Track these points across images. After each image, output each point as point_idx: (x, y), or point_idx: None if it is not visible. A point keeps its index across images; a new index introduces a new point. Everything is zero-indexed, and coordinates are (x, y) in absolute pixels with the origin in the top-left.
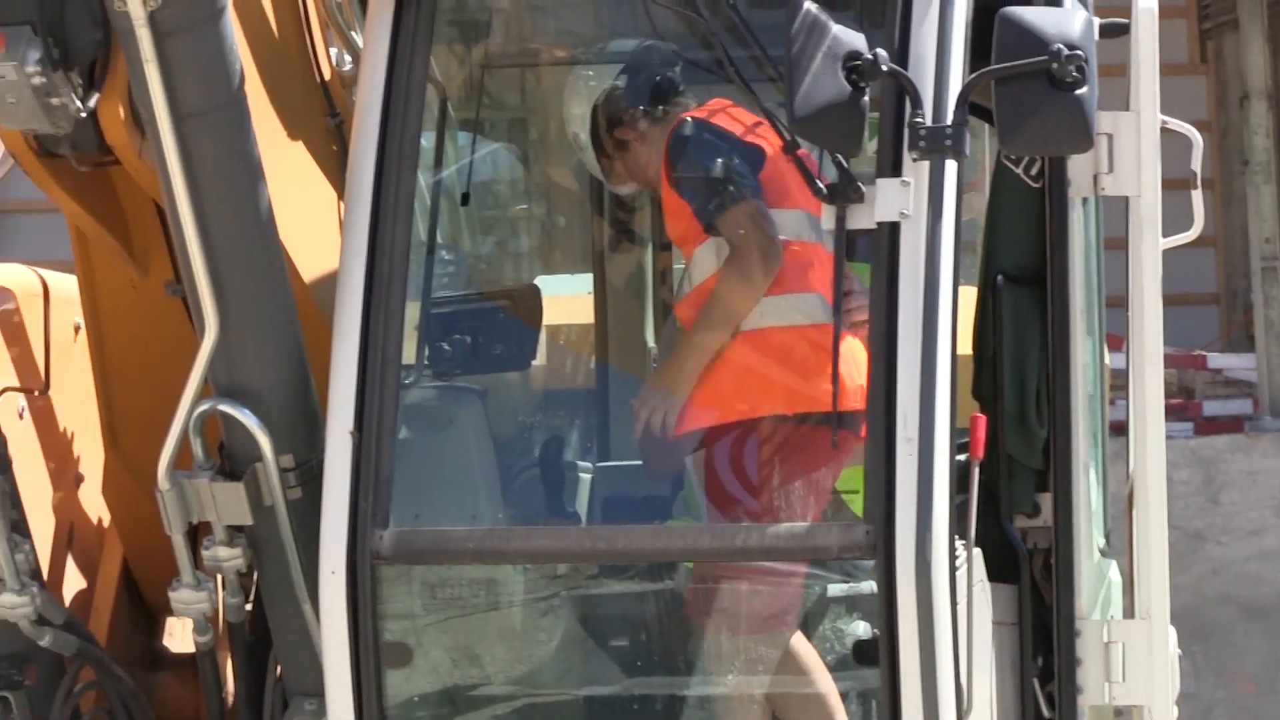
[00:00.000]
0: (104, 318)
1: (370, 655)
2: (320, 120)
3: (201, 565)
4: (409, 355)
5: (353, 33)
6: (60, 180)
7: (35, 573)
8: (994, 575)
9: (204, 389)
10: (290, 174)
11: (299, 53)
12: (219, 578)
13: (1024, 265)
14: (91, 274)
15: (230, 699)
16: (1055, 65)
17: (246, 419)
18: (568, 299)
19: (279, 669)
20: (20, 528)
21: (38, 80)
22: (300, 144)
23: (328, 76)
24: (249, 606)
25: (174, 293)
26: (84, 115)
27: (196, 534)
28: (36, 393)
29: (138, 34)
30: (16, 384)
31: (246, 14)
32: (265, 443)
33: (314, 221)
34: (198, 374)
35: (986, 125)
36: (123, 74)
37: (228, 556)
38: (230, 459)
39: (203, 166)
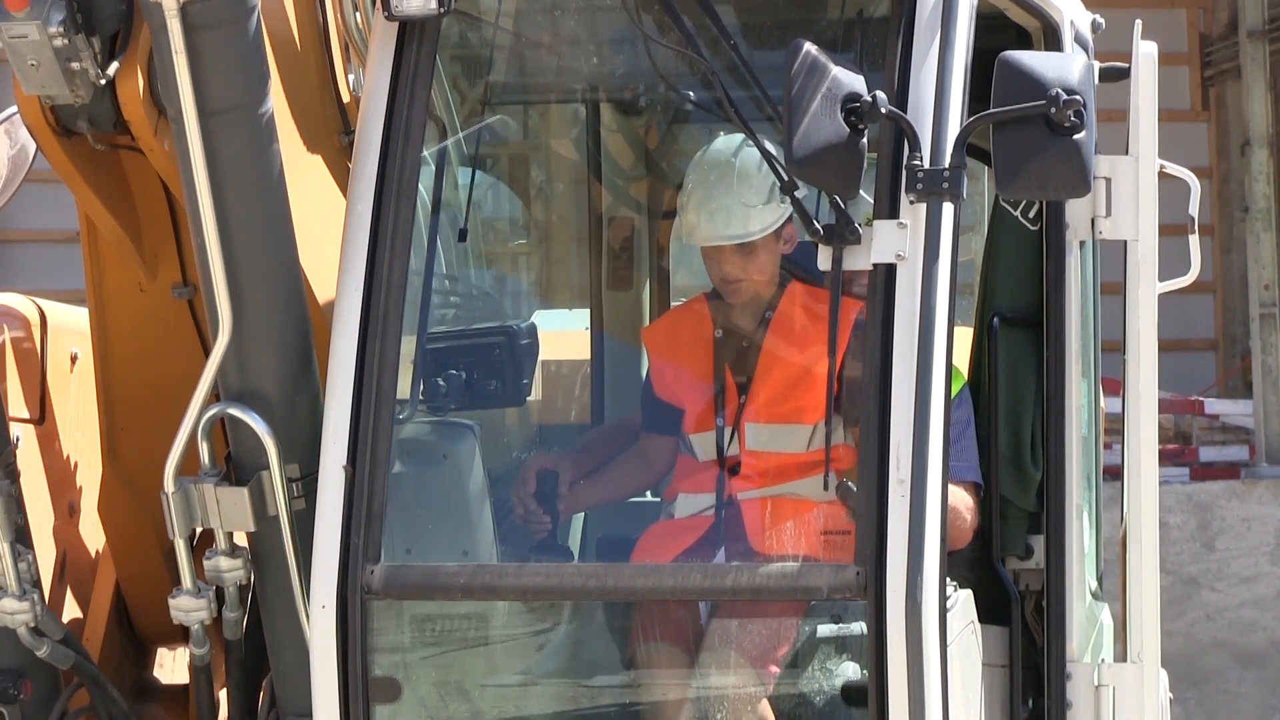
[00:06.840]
0: (110, 321)
1: (359, 690)
2: (336, 138)
3: (202, 576)
4: (404, 389)
5: None
6: (76, 161)
7: (36, 582)
8: (985, 617)
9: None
10: (306, 186)
11: (318, 67)
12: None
13: (1021, 308)
14: (101, 275)
15: None
16: (1054, 110)
17: (255, 423)
18: (564, 334)
19: (273, 690)
20: (24, 537)
21: (59, 42)
22: (318, 157)
23: (346, 100)
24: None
25: (181, 295)
26: (103, 84)
27: (198, 548)
28: (33, 422)
29: (169, 25)
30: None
31: (271, 21)
32: (272, 449)
33: (327, 238)
34: (209, 376)
35: (985, 167)
36: (144, 46)
37: (229, 567)
38: (236, 467)
39: (226, 163)
